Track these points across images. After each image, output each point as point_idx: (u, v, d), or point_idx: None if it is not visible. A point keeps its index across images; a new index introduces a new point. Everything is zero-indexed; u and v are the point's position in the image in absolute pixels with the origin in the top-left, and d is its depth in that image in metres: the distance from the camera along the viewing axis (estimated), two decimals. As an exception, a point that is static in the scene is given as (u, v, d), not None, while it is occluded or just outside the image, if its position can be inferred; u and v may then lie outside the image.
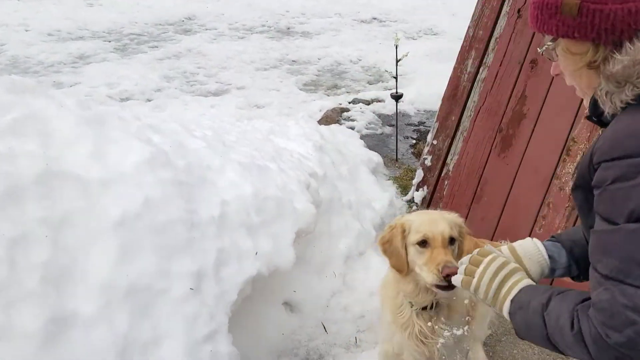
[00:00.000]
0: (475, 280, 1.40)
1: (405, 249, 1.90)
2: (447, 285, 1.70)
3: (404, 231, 1.91)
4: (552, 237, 1.56)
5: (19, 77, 2.42)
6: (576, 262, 1.49)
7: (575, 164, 3.25)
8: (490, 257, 1.41)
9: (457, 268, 1.57)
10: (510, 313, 1.33)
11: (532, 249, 1.49)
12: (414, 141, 5.82)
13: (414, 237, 1.85)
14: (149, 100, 6.57)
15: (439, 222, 1.86)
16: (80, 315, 1.66)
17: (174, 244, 2.03)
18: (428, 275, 1.77)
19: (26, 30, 9.63)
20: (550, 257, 1.48)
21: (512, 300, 1.32)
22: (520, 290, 1.33)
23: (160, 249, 1.97)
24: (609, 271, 1.09)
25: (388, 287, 2.16)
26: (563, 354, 1.23)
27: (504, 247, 1.52)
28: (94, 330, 1.66)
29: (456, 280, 1.48)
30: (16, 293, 1.59)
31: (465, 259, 1.49)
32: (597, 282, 1.12)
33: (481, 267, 1.40)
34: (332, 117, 6.12)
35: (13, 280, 1.60)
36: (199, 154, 2.59)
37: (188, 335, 1.88)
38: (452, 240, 1.84)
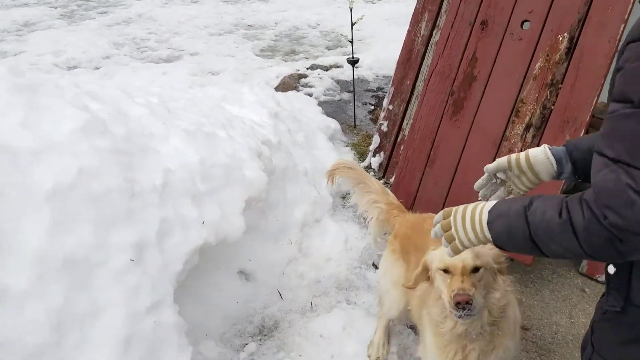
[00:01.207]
0: (456, 235, 1.42)
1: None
2: (459, 314, 1.72)
3: (427, 267, 1.94)
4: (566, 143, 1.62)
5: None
6: (574, 164, 1.55)
7: (523, 125, 3.29)
8: (453, 211, 1.45)
9: (469, 296, 1.68)
10: (489, 222, 1.34)
11: (541, 155, 1.56)
12: (372, 107, 5.80)
13: (437, 264, 1.85)
14: (97, 68, 6.31)
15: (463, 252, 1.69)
16: (11, 290, 1.58)
17: (112, 215, 1.95)
18: (445, 302, 1.79)
19: (-35, -3, 9.06)
20: (558, 161, 1.55)
21: (489, 212, 1.35)
22: (496, 203, 1.36)
23: (97, 219, 1.89)
24: (617, 154, 1.09)
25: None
26: (542, 253, 1.26)
27: (522, 154, 1.59)
28: (27, 304, 1.59)
29: (448, 253, 1.49)
30: (-64, 270, 1.51)
31: (437, 230, 1.50)
32: (603, 165, 1.12)
33: (452, 222, 1.44)
34: (290, 84, 6.02)
35: None
36: (140, 122, 2.48)
37: (129, 307, 1.83)
38: (476, 269, 1.79)
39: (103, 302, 1.78)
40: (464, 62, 3.57)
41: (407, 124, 4.26)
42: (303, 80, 6.15)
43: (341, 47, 7.52)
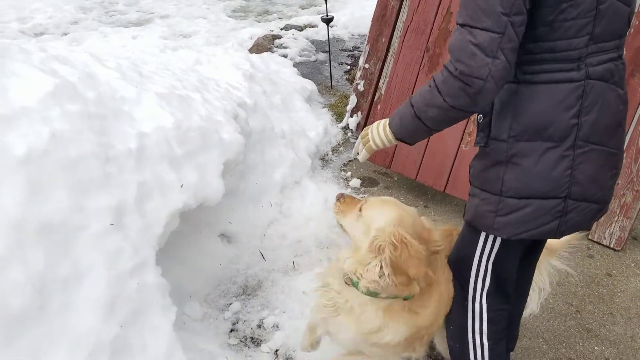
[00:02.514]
0: (371, 140, 1.89)
1: None
2: None
3: None
4: None
5: None
6: None
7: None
8: (368, 129, 1.93)
9: None
10: (389, 122, 1.79)
11: None
12: (349, 67, 5.77)
13: None
14: (65, 34, 6.09)
15: None
16: (-11, 257, 1.57)
17: (88, 179, 1.93)
18: None
19: None
20: None
21: (390, 117, 1.81)
22: (395, 112, 1.80)
23: (73, 185, 1.87)
24: (463, 20, 1.47)
25: None
26: (426, 126, 1.66)
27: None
28: (7, 269, 1.58)
29: (363, 156, 1.96)
30: None
31: (358, 145, 2.00)
32: (454, 31, 1.51)
33: (368, 134, 1.91)
34: (264, 45, 5.92)
35: None
36: (111, 85, 2.43)
37: (111, 270, 1.83)
38: None
39: (85, 266, 1.78)
40: (438, 17, 3.55)
41: (383, 83, 4.25)
42: (277, 41, 6.05)
43: (315, 5, 7.39)
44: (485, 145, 1.71)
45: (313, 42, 6.16)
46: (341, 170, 4.17)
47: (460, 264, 1.93)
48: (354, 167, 4.22)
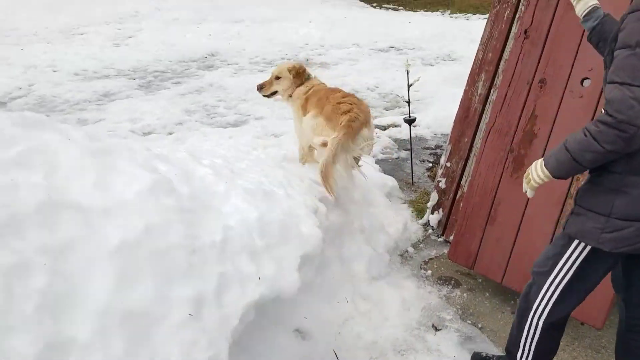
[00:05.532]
0: (531, 179, 2.27)
1: None
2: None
3: None
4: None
5: (30, 112, 2.51)
6: (597, 24, 2.34)
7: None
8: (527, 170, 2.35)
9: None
10: (545, 163, 2.17)
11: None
12: (430, 164, 5.79)
13: None
14: (170, 134, 6.71)
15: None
16: (76, 341, 1.66)
17: (173, 270, 2.04)
18: None
19: (54, 71, 9.89)
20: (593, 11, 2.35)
21: (543, 158, 2.20)
22: (545, 155, 2.23)
23: (159, 274, 1.98)
24: (622, 79, 1.83)
25: None
26: (582, 166, 2.03)
27: None
28: (90, 356, 1.67)
29: (530, 193, 2.35)
30: (13, 320, 1.62)
31: (525, 184, 2.38)
32: (613, 87, 1.86)
33: (528, 173, 2.31)
34: (348, 144, 6.15)
35: (9, 308, 1.63)
36: (204, 181, 2.62)
37: (185, 361, 1.87)
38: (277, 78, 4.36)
39: (161, 356, 1.83)
40: (522, 120, 3.54)
41: (465, 181, 4.21)
42: (361, 140, 6.26)
43: (399, 107, 7.63)
44: (599, 175, 2.08)
45: (395, 140, 6.31)
46: (421, 268, 4.05)
47: (543, 265, 2.34)
48: (435, 266, 4.08)
